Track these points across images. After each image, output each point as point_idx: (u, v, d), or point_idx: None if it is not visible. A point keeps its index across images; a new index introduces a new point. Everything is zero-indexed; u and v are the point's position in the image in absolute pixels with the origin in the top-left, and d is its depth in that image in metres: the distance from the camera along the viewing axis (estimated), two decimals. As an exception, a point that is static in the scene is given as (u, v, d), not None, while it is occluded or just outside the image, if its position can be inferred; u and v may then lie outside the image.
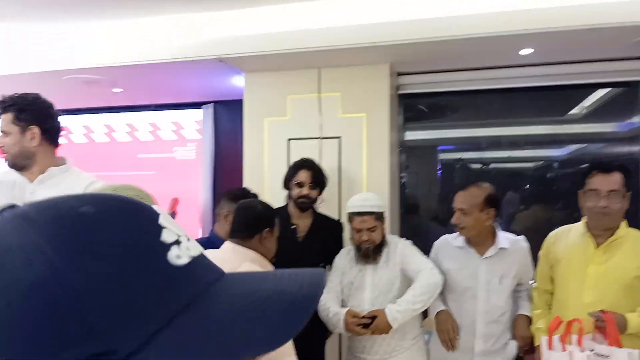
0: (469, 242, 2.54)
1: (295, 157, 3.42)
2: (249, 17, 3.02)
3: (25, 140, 2.12)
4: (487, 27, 2.78)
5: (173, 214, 4.40)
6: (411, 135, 3.91)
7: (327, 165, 3.37)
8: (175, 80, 3.78)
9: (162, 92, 4.34)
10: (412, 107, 3.88)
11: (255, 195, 2.65)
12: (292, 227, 2.87)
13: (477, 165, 4.06)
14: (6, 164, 2.19)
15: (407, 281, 2.53)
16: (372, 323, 2.40)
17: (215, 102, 4.69)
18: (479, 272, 2.48)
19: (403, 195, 3.80)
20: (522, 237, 2.58)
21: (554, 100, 3.69)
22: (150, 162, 5.01)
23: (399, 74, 3.57)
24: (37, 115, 2.14)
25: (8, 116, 2.11)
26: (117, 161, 5.06)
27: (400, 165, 3.79)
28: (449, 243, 2.61)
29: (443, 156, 4.14)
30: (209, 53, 3.07)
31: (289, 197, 2.92)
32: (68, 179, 2.21)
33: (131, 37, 3.18)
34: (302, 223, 2.90)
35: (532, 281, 2.57)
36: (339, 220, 3.09)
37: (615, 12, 2.64)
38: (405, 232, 3.65)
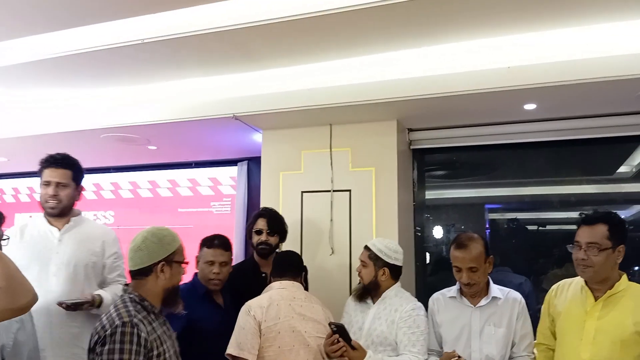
0: (462, 292, 2.52)
1: (308, 209, 3.55)
2: (261, 77, 3.24)
3: (77, 195, 2.59)
4: (486, 83, 2.86)
5: None
6: (450, 194, 3.99)
7: (339, 218, 3.46)
8: (203, 138, 4.04)
9: (199, 150, 4.62)
10: (449, 164, 3.97)
11: (227, 240, 2.76)
12: (263, 275, 2.97)
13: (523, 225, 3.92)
14: (51, 210, 2.52)
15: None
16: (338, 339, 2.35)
17: (249, 159, 4.95)
18: (472, 321, 2.46)
19: (420, 250, 3.80)
20: (517, 293, 2.53)
21: (600, 158, 3.62)
22: (189, 216, 5.28)
23: (411, 130, 3.67)
24: (82, 175, 2.62)
25: (67, 172, 2.52)
26: (159, 215, 5.37)
27: (419, 220, 3.81)
28: (444, 295, 2.61)
29: (492, 215, 4.04)
30: (224, 111, 3.32)
31: (252, 246, 3.01)
32: (85, 228, 2.60)
33: (157, 99, 3.49)
34: (269, 270, 2.90)
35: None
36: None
37: (612, 66, 2.65)
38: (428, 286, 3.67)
